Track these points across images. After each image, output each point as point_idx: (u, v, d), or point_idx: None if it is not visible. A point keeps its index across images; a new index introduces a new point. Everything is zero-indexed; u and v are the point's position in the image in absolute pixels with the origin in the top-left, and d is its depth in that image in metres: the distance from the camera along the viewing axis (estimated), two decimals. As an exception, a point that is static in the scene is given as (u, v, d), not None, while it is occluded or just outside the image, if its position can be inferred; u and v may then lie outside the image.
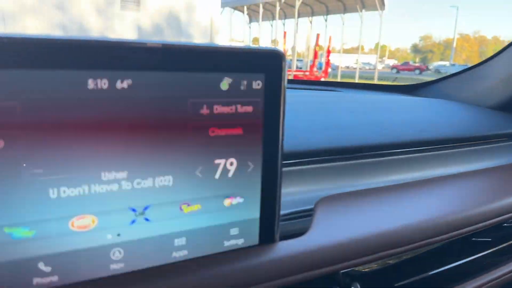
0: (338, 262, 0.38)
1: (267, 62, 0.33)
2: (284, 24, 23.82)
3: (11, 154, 0.26)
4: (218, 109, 0.32)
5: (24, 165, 0.26)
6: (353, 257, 0.39)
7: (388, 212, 0.46)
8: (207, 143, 0.32)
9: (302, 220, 0.45)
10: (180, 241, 0.33)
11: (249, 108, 0.33)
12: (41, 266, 0.28)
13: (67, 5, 8.03)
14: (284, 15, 22.66)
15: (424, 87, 1.09)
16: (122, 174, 0.29)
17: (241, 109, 0.33)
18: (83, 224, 0.29)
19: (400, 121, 0.64)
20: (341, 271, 0.40)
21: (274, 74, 0.33)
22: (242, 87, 0.32)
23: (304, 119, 0.60)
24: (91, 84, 0.27)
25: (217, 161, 0.33)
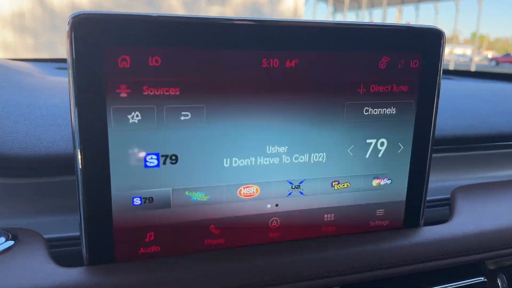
0: (483, 251, 0.37)
1: (426, 41, 0.32)
2: (370, 14, 22.92)
3: (194, 126, 0.29)
4: (374, 88, 0.32)
5: (204, 136, 0.29)
6: (500, 247, 0.37)
7: None
8: (361, 122, 0.33)
9: (439, 208, 0.44)
10: (329, 217, 0.34)
11: (404, 88, 0.33)
12: (212, 228, 0.31)
13: (156, 0, 8.54)
14: (371, 4, 21.79)
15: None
16: (283, 149, 0.31)
17: (396, 88, 0.33)
18: (248, 192, 0.31)
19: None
20: (486, 261, 0.38)
21: (432, 53, 0.33)
22: (399, 66, 0.32)
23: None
24: (264, 63, 0.29)
25: (368, 141, 0.33)
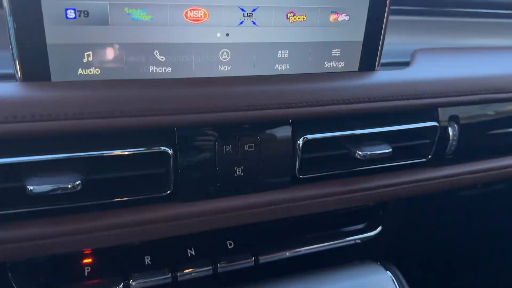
0: (436, 96, 0.37)
1: None
2: None
3: None
4: None
5: None
6: (453, 93, 0.37)
7: (484, 63, 0.43)
8: None
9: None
10: (283, 53, 0.33)
11: None
12: (157, 54, 0.29)
13: None
14: None
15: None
16: None
17: None
18: (195, 16, 0.29)
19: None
20: (439, 108, 0.38)
21: None
22: None
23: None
24: None
25: (326, -31, 0.31)
